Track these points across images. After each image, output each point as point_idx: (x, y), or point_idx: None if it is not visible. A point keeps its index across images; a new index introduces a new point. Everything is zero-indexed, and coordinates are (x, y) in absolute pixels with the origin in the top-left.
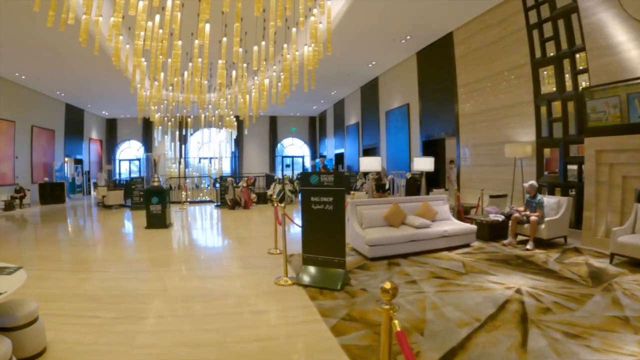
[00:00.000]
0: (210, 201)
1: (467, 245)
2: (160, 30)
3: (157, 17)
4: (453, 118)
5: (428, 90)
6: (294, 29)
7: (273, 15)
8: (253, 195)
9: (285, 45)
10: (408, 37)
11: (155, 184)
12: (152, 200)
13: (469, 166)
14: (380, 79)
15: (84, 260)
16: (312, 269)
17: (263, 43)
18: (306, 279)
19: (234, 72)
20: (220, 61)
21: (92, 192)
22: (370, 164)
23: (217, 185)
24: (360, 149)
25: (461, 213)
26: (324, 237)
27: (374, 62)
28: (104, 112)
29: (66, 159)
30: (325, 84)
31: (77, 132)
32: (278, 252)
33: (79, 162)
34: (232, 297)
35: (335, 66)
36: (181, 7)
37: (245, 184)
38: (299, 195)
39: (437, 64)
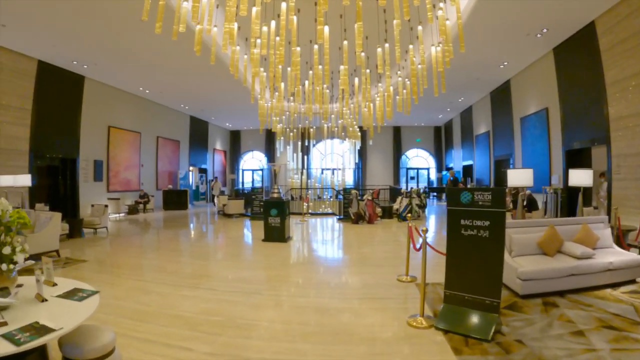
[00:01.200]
0: (332, 214)
1: (633, 282)
2: (277, 38)
3: (273, 24)
4: (602, 123)
5: (570, 91)
6: (419, 27)
7: (398, 12)
8: (378, 209)
9: (410, 46)
10: (544, 30)
11: (275, 195)
12: (271, 212)
13: (623, 180)
14: (512, 82)
15: (192, 273)
16: (455, 310)
17: (387, 45)
18: (447, 322)
19: (356, 80)
20: (342, 67)
21: (215, 200)
22: (520, 177)
23: (340, 196)
24: (492, 160)
25: (621, 239)
26: (475, 272)
27: (505, 63)
28: (227, 124)
29: (191, 168)
30: (452, 90)
31: (201, 143)
32: (409, 279)
33: (203, 171)
34: (354, 340)
35: (463, 69)
36: (297, 12)
37: (370, 197)
38: (426, 210)
39: (578, 59)
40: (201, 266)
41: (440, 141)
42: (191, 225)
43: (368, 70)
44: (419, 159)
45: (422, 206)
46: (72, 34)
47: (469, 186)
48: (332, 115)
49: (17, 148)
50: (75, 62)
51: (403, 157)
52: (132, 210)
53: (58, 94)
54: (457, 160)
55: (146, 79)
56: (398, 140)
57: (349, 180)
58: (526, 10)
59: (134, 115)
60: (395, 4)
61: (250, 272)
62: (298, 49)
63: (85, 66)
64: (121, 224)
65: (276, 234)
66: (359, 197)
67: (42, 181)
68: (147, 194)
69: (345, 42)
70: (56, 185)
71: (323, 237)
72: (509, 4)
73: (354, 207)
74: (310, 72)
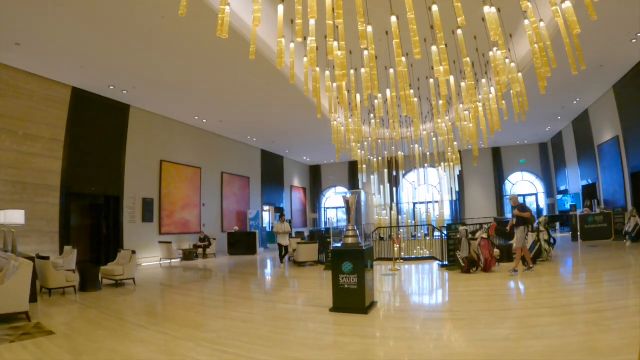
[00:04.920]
0: (432, 258)
1: None
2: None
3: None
4: None
5: None
6: None
7: None
8: (496, 251)
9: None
10: None
11: (350, 240)
12: (343, 267)
13: None
14: None
15: None
16: None
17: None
18: None
19: (451, 79)
20: (434, 48)
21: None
22: None
23: (439, 234)
24: (626, 173)
25: None
26: None
27: (639, 34)
28: (305, 158)
29: (267, 207)
30: (565, 88)
31: (276, 180)
32: None
33: (279, 210)
34: None
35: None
36: None
37: (485, 235)
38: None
39: None
40: None
41: (547, 160)
42: (248, 278)
43: (468, 59)
44: (525, 184)
45: (552, 242)
46: (100, 54)
47: (596, 211)
48: (424, 132)
49: (47, 183)
50: (112, 87)
51: (505, 182)
52: (188, 255)
53: (97, 125)
54: (574, 180)
55: (200, 107)
56: (499, 164)
57: (446, 213)
58: None
59: (192, 148)
60: None
61: None
62: (369, 28)
63: (125, 92)
64: (165, 273)
65: (352, 301)
66: (469, 236)
67: (83, 221)
68: (207, 236)
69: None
70: (98, 226)
71: (424, 302)
72: None
73: (463, 250)
74: (391, 70)
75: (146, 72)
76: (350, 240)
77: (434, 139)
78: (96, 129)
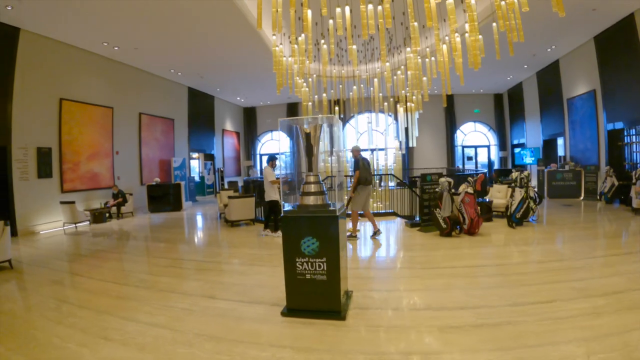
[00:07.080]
0: (393, 213)
1: None
2: None
3: None
4: None
5: None
6: None
7: None
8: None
9: None
10: None
11: (312, 199)
12: (303, 246)
13: None
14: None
15: None
16: None
17: None
18: None
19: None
20: None
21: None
22: None
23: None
24: (601, 130)
25: None
26: None
27: None
28: (238, 98)
29: (195, 154)
30: (544, 33)
31: (206, 123)
32: None
33: (210, 157)
34: None
35: None
36: None
37: (471, 190)
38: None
39: None
40: None
41: (502, 112)
42: (164, 250)
43: None
44: (477, 135)
45: (538, 200)
46: None
47: (567, 168)
48: (387, 64)
49: None
50: None
51: (457, 131)
52: (99, 217)
53: None
54: (533, 134)
55: (110, 29)
56: (451, 112)
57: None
58: None
59: (101, 83)
60: None
61: None
62: None
63: (9, 7)
64: (64, 244)
65: (318, 298)
66: (451, 190)
67: None
68: (121, 191)
69: None
70: None
71: (422, 290)
72: None
73: (445, 208)
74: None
75: None
76: (312, 200)
77: (399, 72)
78: None
